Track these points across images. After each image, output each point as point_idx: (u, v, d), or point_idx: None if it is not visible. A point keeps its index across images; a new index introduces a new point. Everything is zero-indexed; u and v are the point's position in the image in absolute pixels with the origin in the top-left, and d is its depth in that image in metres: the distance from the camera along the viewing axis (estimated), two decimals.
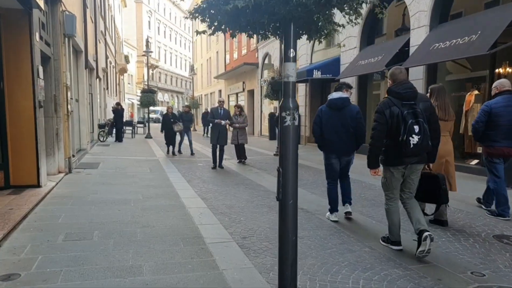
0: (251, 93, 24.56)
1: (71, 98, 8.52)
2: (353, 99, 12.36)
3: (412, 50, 9.56)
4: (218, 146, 9.84)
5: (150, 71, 57.63)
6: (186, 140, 13.26)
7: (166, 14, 67.30)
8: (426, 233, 3.57)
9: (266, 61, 21.74)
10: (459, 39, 7.80)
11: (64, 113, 7.97)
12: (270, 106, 21.48)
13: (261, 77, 22.10)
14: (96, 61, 16.37)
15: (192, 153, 12.73)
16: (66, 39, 8.36)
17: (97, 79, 17.09)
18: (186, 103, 65.94)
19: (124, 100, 43.67)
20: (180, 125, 12.62)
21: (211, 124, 10.42)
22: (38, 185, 6.23)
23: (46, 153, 7.16)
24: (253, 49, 23.38)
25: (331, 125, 4.91)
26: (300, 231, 4.51)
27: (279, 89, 12.50)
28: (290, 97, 2.29)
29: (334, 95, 4.96)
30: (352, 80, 12.27)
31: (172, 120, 12.68)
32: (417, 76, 9.50)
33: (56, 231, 4.28)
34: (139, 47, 56.02)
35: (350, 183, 5.31)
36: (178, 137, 13.11)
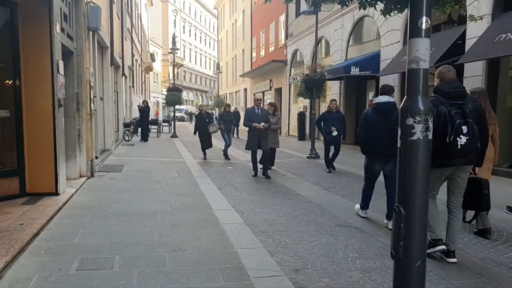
0: (278, 91, 23.71)
1: (95, 96, 7.93)
2: (396, 98, 11.35)
3: (469, 43, 8.49)
4: (258, 151, 8.50)
5: (175, 70, 57.55)
6: (217, 143, 12.56)
7: (192, 12, 67.20)
8: (452, 259, 3.66)
9: (296, 58, 20.83)
10: None
11: (86, 112, 7.37)
12: (299, 105, 20.59)
13: (290, 75, 21.23)
14: (122, 58, 15.92)
15: (227, 157, 11.46)
16: (91, 33, 7.76)
17: (123, 77, 16.66)
18: (210, 102, 65.87)
19: (149, 98, 43.64)
20: (216, 126, 11.47)
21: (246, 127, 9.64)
22: (56, 193, 5.61)
23: (67, 156, 6.56)
24: (281, 46, 22.52)
25: (376, 129, 4.88)
26: (364, 261, 3.69)
27: (313, 86, 11.63)
28: (420, 93, 1.47)
29: (381, 98, 4.93)
30: (394, 78, 11.25)
31: (207, 120, 11.40)
32: (475, 72, 8.43)
33: (70, 254, 3.59)
34: (164, 46, 56.08)
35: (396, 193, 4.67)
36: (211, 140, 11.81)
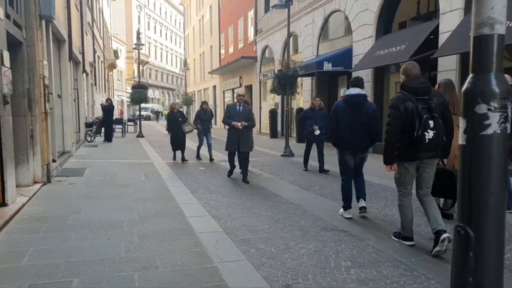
0: (249, 88, 23.27)
1: (50, 93, 7.17)
2: (368, 93, 11.18)
3: (442, 37, 8.38)
4: (237, 153, 7.68)
5: (141, 67, 55.84)
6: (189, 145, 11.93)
7: (156, 9, 65.50)
8: (445, 235, 3.56)
9: (266, 55, 20.45)
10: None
11: (40, 110, 6.62)
12: (270, 102, 20.24)
13: (260, 72, 20.84)
14: (83, 54, 14.94)
15: (211, 159, 10.46)
16: (43, 22, 6.98)
17: (84, 74, 15.67)
18: (177, 100, 64.43)
19: (113, 97, 41.97)
20: (191, 125, 10.59)
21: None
22: (3, 203, 4.89)
23: (17, 160, 5.82)
24: (250, 42, 22.09)
25: (347, 121, 4.88)
26: (359, 271, 3.29)
27: (286, 82, 11.26)
28: (493, 70, 1.05)
29: (352, 91, 4.91)
30: (367, 73, 11.07)
31: (180, 119, 10.49)
32: (450, 66, 8.33)
33: (17, 280, 2.99)
34: (128, 43, 54.20)
35: (364, 180, 5.23)
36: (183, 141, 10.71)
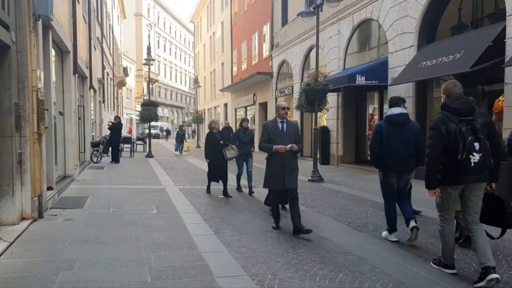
0: (263, 106, 22.11)
1: (46, 109, 5.97)
2: (409, 110, 9.88)
3: (510, 42, 7.09)
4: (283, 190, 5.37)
5: (150, 86, 55.21)
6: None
7: (166, 27, 65.55)
8: (493, 275, 3.24)
9: (283, 70, 19.34)
10: None
11: (32, 130, 5.41)
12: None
13: (276, 88, 19.70)
14: (90, 69, 13.93)
15: (251, 193, 8.29)
16: (39, 24, 5.85)
17: (91, 90, 14.62)
18: (186, 118, 63.67)
19: (122, 115, 41.22)
20: (235, 150, 8.14)
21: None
22: None
23: None
24: (265, 57, 21.03)
25: (391, 142, 4.71)
26: None
27: (315, 98, 10.01)
28: None
29: (394, 110, 4.78)
30: (407, 87, 9.80)
31: (221, 142, 8.22)
32: None
33: None
34: (138, 61, 53.91)
35: (411, 204, 5.15)
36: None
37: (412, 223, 4.68)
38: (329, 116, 14.19)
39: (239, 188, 8.74)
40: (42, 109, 5.72)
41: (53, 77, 7.99)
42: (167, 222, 5.68)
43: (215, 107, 35.23)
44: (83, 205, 6.61)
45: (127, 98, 50.41)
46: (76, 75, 10.39)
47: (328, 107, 12.96)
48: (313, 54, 15.94)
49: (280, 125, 5.33)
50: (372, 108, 13.42)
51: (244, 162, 8.47)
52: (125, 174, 11.44)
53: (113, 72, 29.58)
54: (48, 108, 6.70)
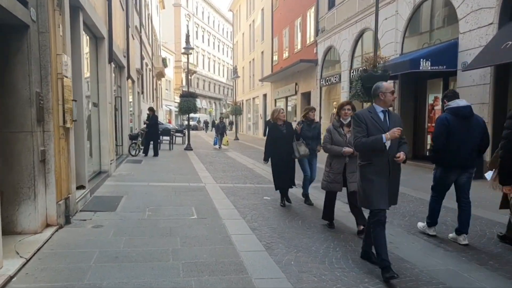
0: (305, 96, 20.94)
1: (74, 100, 5.28)
2: (485, 99, 8.48)
3: None
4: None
5: (189, 77, 55.20)
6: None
7: (205, 17, 65.26)
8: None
9: (329, 57, 18.06)
10: None
11: (57, 124, 4.73)
12: (333, 111, 17.76)
13: (321, 77, 18.47)
14: (128, 58, 13.41)
15: (309, 202, 6.67)
16: (66, 2, 5.12)
17: (129, 80, 14.13)
18: (224, 110, 63.28)
19: (161, 106, 41.34)
20: (304, 147, 6.25)
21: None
22: None
23: (17, 197, 4.01)
24: (309, 44, 19.80)
25: (458, 136, 4.37)
26: None
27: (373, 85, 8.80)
28: None
29: (460, 102, 4.48)
30: (484, 73, 8.39)
31: (285, 134, 6.39)
32: None
33: None
34: (177, 52, 53.96)
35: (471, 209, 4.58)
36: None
37: (465, 240, 4.48)
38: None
39: (308, 200, 6.63)
40: (69, 100, 5.02)
41: (86, 65, 7.37)
42: (208, 232, 4.85)
43: (253, 98, 34.39)
44: (116, 207, 5.93)
45: (166, 89, 50.66)
46: (112, 64, 9.80)
47: None
48: (365, 38, 14.64)
49: (381, 115, 3.60)
50: (433, 97, 11.97)
51: (308, 162, 6.64)
52: (163, 168, 10.81)
53: (152, 62, 29.40)
54: (77, 99, 6.04)
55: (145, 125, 14.42)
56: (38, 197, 4.34)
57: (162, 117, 38.78)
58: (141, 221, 5.23)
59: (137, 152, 13.90)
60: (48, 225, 4.55)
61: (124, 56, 12.87)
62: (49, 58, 4.50)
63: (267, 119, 12.90)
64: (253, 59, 33.49)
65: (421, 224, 5.04)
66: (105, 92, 8.67)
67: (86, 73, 7.97)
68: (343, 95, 15.87)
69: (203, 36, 64.28)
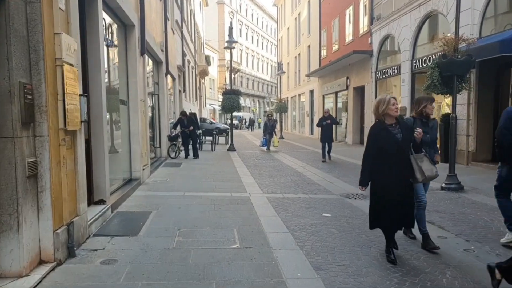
0: (358, 91, 19.09)
1: (82, 95, 4.11)
2: None
3: None
4: None
5: (232, 75, 54.56)
6: None
7: (248, 15, 64.35)
8: None
9: (386, 47, 16.13)
10: None
11: (55, 126, 3.56)
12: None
13: (376, 69, 16.57)
14: (166, 53, 12.42)
15: (431, 245, 4.20)
16: None
17: (168, 77, 13.15)
18: (268, 108, 61.92)
19: (205, 105, 40.78)
20: (430, 163, 4.01)
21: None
22: None
23: None
24: (362, 34, 17.93)
25: None
26: None
27: (454, 74, 7.06)
28: None
29: None
30: None
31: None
32: None
33: None
34: (220, 50, 53.45)
35: None
36: None
37: None
38: (458, 100, 10.88)
39: (428, 242, 4.21)
40: (74, 94, 3.85)
41: (107, 53, 6.28)
42: (256, 272, 3.49)
43: (299, 95, 32.76)
44: (139, 229, 4.72)
45: (210, 88, 50.23)
46: (146, 57, 8.74)
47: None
48: (430, 23, 12.68)
49: None
50: None
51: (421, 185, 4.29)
52: (203, 173, 9.62)
53: (194, 60, 28.67)
54: (94, 93, 4.90)
55: (181, 128, 13.29)
56: (24, 226, 3.18)
57: (206, 116, 38.20)
58: (167, 253, 3.96)
59: (176, 154, 12.91)
60: (42, 262, 3.41)
61: (162, 51, 11.88)
62: (41, 38, 3.34)
63: (322, 115, 11.46)
64: (299, 54, 31.85)
65: (506, 238, 4.32)
66: (136, 88, 7.60)
67: (113, 64, 6.92)
68: (404, 88, 13.95)
69: (246, 33, 63.38)
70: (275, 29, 67.53)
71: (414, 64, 13.20)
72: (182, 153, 13.19)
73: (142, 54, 8.21)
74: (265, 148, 16.48)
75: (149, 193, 7.06)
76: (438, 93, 7.60)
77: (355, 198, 6.85)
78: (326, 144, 12.31)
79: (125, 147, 7.52)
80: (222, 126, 27.12)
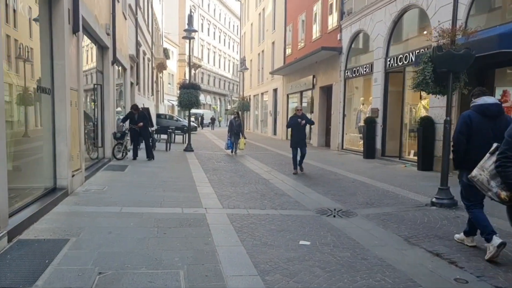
0: (325, 90, 18.15)
1: None
2: None
3: None
4: None
5: (193, 71, 52.56)
6: None
7: (211, 10, 62.52)
8: None
9: (358, 44, 15.24)
10: None
11: None
12: (359, 108, 15.02)
13: (345, 68, 15.66)
14: (114, 38, 10.72)
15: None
16: None
17: (115, 66, 11.43)
18: (229, 106, 60.23)
19: (162, 101, 38.62)
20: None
21: None
22: None
23: None
24: (331, 30, 16.97)
25: (482, 137, 4.00)
26: None
27: (451, 70, 6.05)
28: None
29: (487, 99, 4.11)
30: None
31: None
32: None
33: None
34: (181, 45, 51.25)
35: None
36: None
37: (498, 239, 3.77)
38: (433, 103, 10.08)
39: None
40: None
41: (22, 26, 4.67)
42: None
43: (262, 93, 31.62)
44: (38, 275, 3.20)
45: (169, 84, 48.00)
46: (80, 35, 7.09)
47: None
48: (407, 18, 11.85)
49: None
50: (501, 91, 9.19)
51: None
52: (151, 180, 8.09)
53: (151, 52, 26.70)
54: None
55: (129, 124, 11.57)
56: None
57: (164, 112, 36.11)
58: None
59: (123, 154, 11.21)
60: None
61: (108, 34, 10.17)
62: None
63: (294, 113, 9.67)
64: (263, 51, 30.68)
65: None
66: (63, 73, 5.96)
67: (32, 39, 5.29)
68: (376, 88, 13.09)
69: (208, 29, 61.51)
70: (237, 26, 66.13)
71: (388, 63, 12.33)
72: (130, 154, 11.52)
73: (75, 32, 6.56)
74: (230, 151, 14.33)
75: (75, 208, 5.47)
76: (430, 92, 6.57)
77: (334, 216, 5.66)
78: (299, 150, 9.77)
79: (47, 148, 5.88)
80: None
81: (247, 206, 6.12)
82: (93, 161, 9.31)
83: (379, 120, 12.78)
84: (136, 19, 17.49)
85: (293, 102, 23.10)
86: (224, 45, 68.42)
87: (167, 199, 6.31)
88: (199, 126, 39.76)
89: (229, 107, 63.61)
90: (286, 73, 23.12)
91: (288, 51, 23.47)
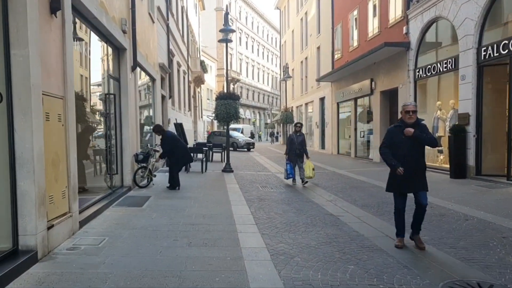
0: (387, 95, 15.31)
1: None
2: None
3: None
4: None
5: (232, 85, 50.98)
6: None
7: (248, 23, 61.13)
8: None
9: (431, 37, 12.38)
10: None
11: None
12: (435, 114, 12.02)
13: (415, 66, 12.80)
14: (134, 37, 8.71)
15: None
16: None
17: (138, 73, 9.38)
18: (269, 120, 57.76)
19: (201, 117, 36.97)
20: None
21: None
22: None
23: None
24: (394, 23, 14.20)
25: None
26: None
27: None
28: None
29: None
30: None
31: None
32: None
33: None
34: (219, 59, 49.98)
35: None
36: None
37: None
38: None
39: None
40: None
41: None
42: None
43: (306, 104, 29.03)
44: None
45: (208, 99, 46.61)
46: (67, 19, 4.97)
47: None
48: None
49: None
50: None
51: None
52: (173, 222, 5.74)
53: (187, 64, 25.03)
54: None
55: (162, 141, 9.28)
56: None
57: (202, 129, 34.39)
58: None
59: (149, 181, 9.03)
60: None
61: (125, 32, 8.14)
62: None
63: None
64: (306, 58, 28.21)
65: None
66: (27, 71, 3.79)
67: None
68: (464, 88, 10.16)
69: (246, 42, 60.06)
70: (276, 38, 64.23)
71: (483, 53, 9.42)
72: (158, 179, 9.29)
73: (54, 10, 4.43)
74: (291, 179, 9.90)
75: (60, 273, 3.18)
76: None
77: None
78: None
79: (3, 186, 3.69)
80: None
81: (320, 272, 3.59)
82: (105, 194, 7.14)
83: (471, 129, 9.79)
84: (167, 26, 15.68)
85: (344, 113, 20.32)
86: (263, 58, 66.72)
87: (190, 265, 3.89)
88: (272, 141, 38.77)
89: (269, 121, 61.37)
90: (335, 79, 20.45)
91: (337, 55, 20.82)
